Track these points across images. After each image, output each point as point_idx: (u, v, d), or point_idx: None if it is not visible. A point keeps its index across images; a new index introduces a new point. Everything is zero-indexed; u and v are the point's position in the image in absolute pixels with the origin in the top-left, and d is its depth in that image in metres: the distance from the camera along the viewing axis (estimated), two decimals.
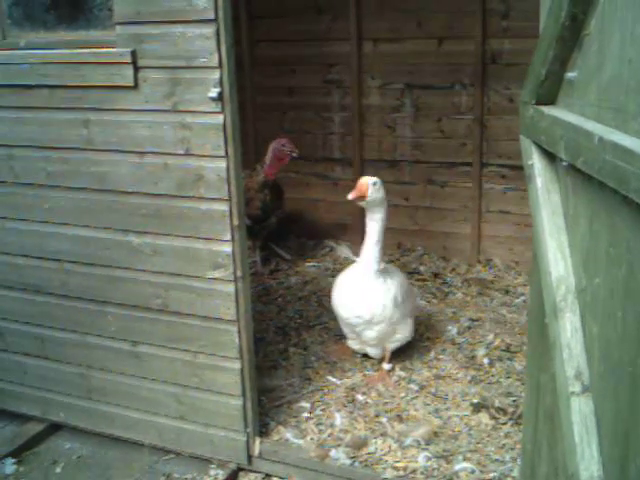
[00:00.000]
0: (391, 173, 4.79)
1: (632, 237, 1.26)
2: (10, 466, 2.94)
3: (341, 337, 3.64)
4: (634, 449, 1.29)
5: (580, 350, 1.53)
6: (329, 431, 2.94)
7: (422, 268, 4.64)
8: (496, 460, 2.73)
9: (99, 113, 2.60)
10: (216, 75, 2.36)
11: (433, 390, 3.23)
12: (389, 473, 2.67)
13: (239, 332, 2.63)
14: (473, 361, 3.48)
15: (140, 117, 2.53)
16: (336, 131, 4.99)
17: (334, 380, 3.34)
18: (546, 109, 1.62)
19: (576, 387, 1.50)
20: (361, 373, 3.41)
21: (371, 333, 3.26)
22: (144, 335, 2.81)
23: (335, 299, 3.35)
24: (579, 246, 1.55)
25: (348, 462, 2.74)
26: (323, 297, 4.21)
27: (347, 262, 4.52)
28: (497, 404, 3.07)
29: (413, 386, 3.28)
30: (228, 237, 2.53)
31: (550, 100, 1.64)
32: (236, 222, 2.51)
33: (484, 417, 3.00)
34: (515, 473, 2.62)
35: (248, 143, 5.04)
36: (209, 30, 2.32)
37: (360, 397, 3.19)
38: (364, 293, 3.20)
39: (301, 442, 2.87)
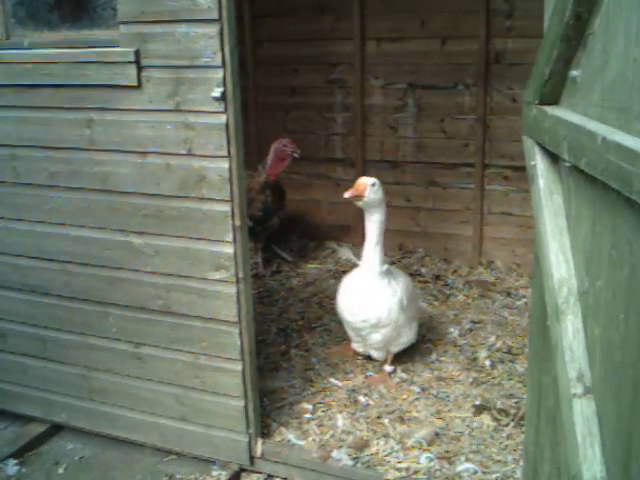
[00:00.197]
0: (393, 174, 4.79)
1: (635, 239, 1.25)
2: (12, 467, 2.94)
3: (343, 339, 3.63)
4: (637, 449, 1.29)
5: (582, 352, 1.53)
6: (331, 432, 2.94)
7: (423, 270, 4.64)
8: (498, 461, 2.72)
9: (102, 113, 2.59)
10: (219, 75, 2.35)
11: (435, 392, 3.23)
12: (391, 474, 2.67)
13: (240, 333, 2.63)
14: (475, 363, 3.47)
15: (143, 117, 2.53)
16: (338, 131, 4.98)
17: (336, 382, 3.33)
18: (549, 109, 1.61)
19: (578, 389, 1.50)
20: (363, 375, 3.41)
21: (377, 336, 3.25)
22: (146, 336, 2.81)
23: (340, 303, 3.32)
24: (581, 248, 1.54)
25: (350, 463, 2.74)
26: (325, 299, 4.21)
27: (349, 264, 4.52)
28: (499, 406, 3.07)
29: (415, 388, 3.27)
30: (230, 238, 2.52)
31: (553, 100, 1.63)
32: (238, 223, 2.50)
33: (486, 419, 3.00)
34: (517, 474, 2.62)
35: (250, 143, 5.03)
36: (213, 30, 2.31)
37: (362, 399, 3.18)
38: (369, 297, 3.17)
39: (303, 443, 2.87)
